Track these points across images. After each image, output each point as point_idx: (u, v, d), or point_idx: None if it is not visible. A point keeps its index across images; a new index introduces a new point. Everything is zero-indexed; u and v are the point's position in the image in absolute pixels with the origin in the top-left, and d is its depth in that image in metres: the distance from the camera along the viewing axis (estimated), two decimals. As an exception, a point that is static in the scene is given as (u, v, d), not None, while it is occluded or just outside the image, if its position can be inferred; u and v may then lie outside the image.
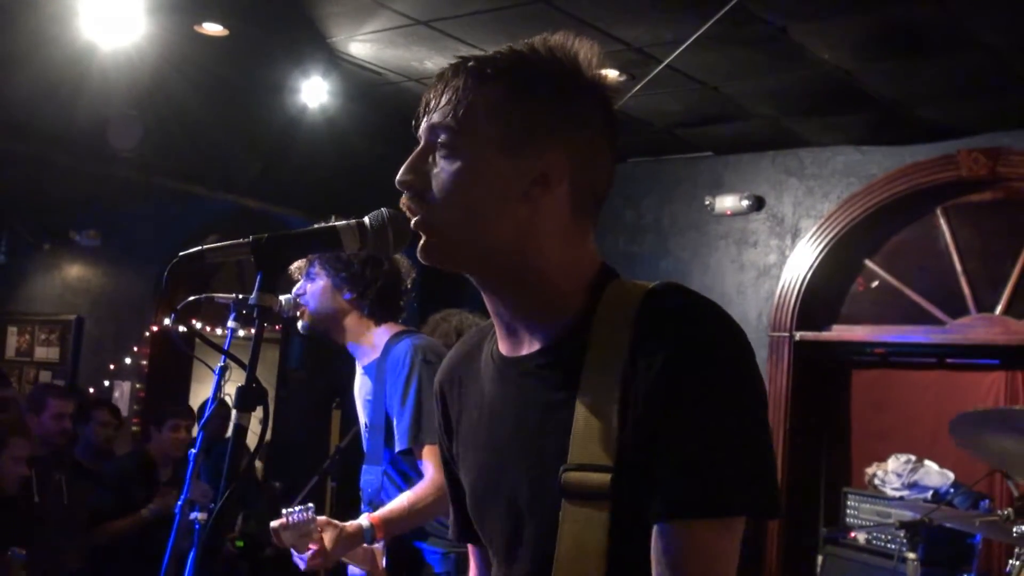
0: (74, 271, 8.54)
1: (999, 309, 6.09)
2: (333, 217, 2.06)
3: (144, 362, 7.83)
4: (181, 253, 1.64)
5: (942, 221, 6.33)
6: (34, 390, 6.59)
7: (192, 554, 3.14)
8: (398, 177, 1.41)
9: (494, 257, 1.39)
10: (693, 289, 1.36)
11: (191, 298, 3.46)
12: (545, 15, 4.61)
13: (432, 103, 1.41)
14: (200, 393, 7.84)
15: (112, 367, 7.87)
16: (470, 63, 1.39)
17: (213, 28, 5.14)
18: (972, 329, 6.20)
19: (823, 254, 6.44)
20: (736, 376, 1.29)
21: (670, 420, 1.26)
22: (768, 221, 6.67)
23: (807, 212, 6.56)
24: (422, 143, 1.42)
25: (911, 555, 4.40)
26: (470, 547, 1.69)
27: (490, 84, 1.37)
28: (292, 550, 3.01)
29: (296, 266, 3.25)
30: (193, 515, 3.11)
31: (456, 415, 1.56)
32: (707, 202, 6.81)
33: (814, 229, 6.48)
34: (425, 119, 1.42)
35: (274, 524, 2.96)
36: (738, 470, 1.26)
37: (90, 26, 4.73)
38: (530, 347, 1.42)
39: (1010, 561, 4.35)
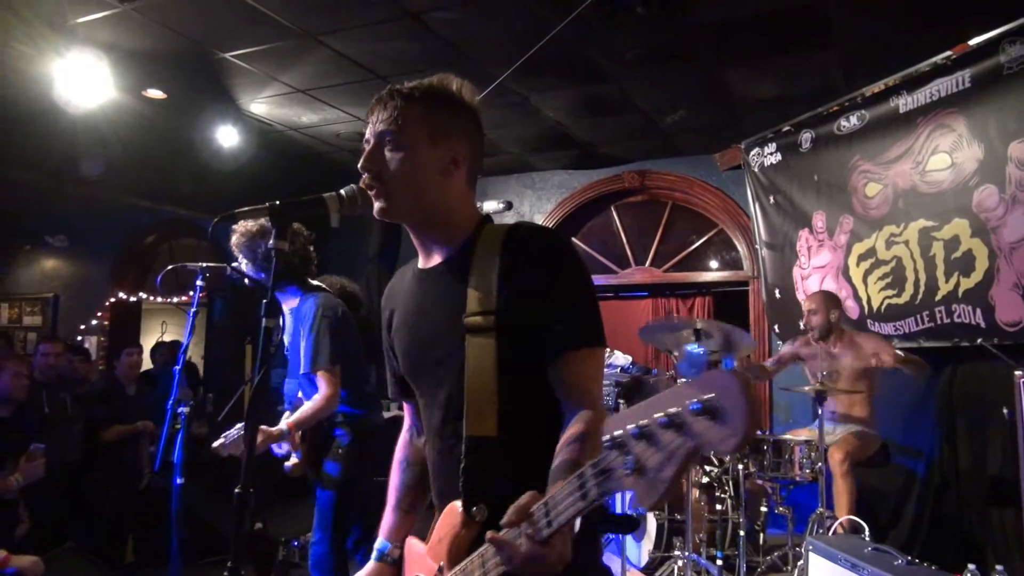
0: (50, 264, 7.65)
1: (647, 263, 6.38)
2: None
3: (106, 323, 7.17)
4: (216, 218, 1.41)
5: (615, 214, 6.51)
6: (38, 340, 5.92)
7: (179, 438, 2.94)
8: (361, 164, 1.33)
9: (424, 209, 1.35)
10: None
11: (170, 267, 3.15)
12: (381, 87, 4.53)
13: (376, 116, 1.34)
14: (146, 341, 7.24)
15: (83, 327, 7.16)
16: (402, 90, 1.33)
17: (155, 93, 4.78)
18: (632, 275, 6.41)
19: (548, 235, 6.62)
20: (572, 261, 1.29)
21: (543, 291, 1.24)
22: (515, 216, 6.71)
23: (538, 210, 6.63)
24: (373, 143, 1.34)
25: (622, 401, 4.63)
26: (405, 404, 1.58)
27: (417, 102, 1.32)
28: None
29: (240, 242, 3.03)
30: (180, 408, 2.94)
31: (390, 314, 1.48)
32: (478, 204, 6.87)
33: (542, 220, 6.52)
34: (372, 127, 1.34)
35: (215, 444, 2.72)
36: (591, 317, 1.25)
37: (65, 90, 4.28)
38: (437, 261, 1.38)
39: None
